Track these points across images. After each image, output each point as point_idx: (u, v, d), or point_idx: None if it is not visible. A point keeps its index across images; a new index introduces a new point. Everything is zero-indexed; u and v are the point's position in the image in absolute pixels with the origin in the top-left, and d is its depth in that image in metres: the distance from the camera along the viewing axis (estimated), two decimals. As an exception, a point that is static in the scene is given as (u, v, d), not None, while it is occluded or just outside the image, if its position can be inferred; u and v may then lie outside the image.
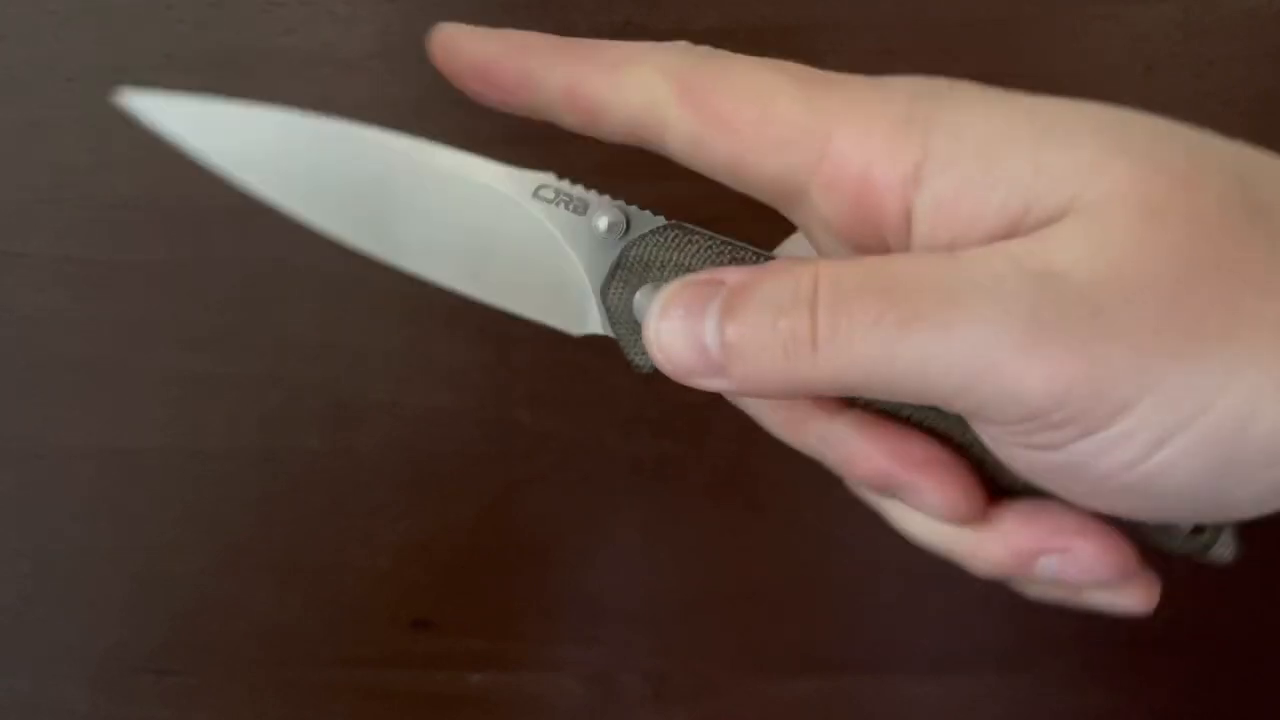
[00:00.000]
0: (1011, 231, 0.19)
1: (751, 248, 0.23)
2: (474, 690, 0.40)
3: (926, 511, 0.23)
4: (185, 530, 0.41)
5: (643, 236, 0.24)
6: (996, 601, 0.39)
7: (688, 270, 0.23)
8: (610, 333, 0.24)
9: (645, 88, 0.22)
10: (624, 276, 0.24)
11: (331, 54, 0.38)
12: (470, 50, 0.24)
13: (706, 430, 0.38)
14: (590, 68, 0.23)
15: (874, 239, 0.21)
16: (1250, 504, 0.20)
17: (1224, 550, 0.24)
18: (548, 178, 0.25)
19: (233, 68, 0.38)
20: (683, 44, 0.23)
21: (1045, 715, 0.39)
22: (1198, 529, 0.23)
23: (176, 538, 0.41)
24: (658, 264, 0.23)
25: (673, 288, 0.22)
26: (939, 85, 0.21)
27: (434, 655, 0.40)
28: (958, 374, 0.19)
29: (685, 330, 0.21)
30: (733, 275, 0.21)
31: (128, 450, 0.41)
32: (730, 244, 0.23)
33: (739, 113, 0.21)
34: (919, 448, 0.23)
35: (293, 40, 0.38)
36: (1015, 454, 0.21)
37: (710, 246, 0.23)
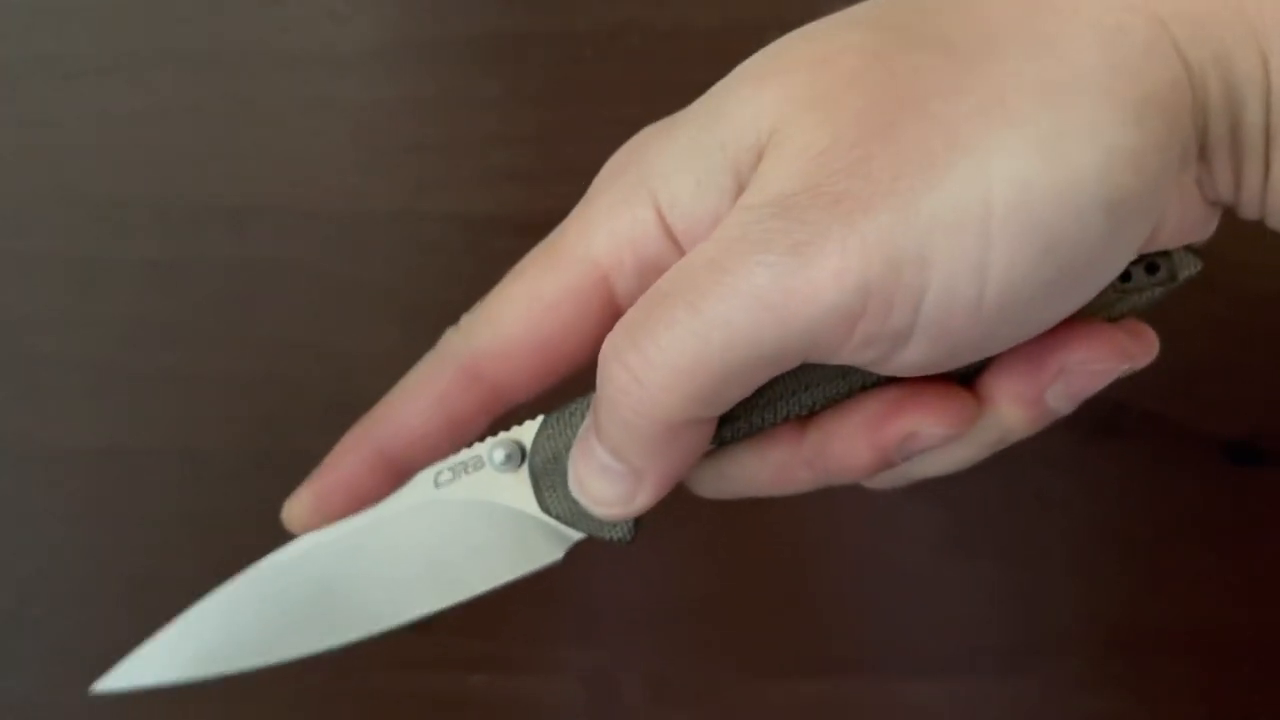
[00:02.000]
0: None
1: None
2: (474, 692, 0.40)
3: (937, 443, 0.23)
4: (184, 530, 0.41)
5: (534, 444, 0.25)
6: (999, 603, 0.39)
7: None
8: (579, 532, 0.25)
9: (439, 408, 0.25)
10: (548, 483, 0.25)
11: (330, 52, 0.38)
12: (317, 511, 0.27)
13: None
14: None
15: None
16: (1108, 255, 0.20)
17: (1189, 268, 0.23)
18: (436, 465, 0.26)
19: (231, 66, 0.38)
20: (447, 333, 0.26)
21: (1046, 717, 0.39)
22: (1149, 267, 0.23)
23: (175, 538, 0.41)
24: (564, 451, 0.25)
25: (571, 461, 0.24)
26: (636, 140, 0.24)
27: (433, 657, 0.40)
28: (767, 319, 0.20)
29: (593, 474, 0.23)
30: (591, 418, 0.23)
31: (127, 450, 0.40)
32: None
33: (525, 332, 0.24)
34: (875, 402, 0.23)
35: (291, 39, 0.38)
36: (896, 364, 0.21)
37: (586, 407, 0.25)
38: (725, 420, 0.23)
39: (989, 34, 0.20)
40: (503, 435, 0.25)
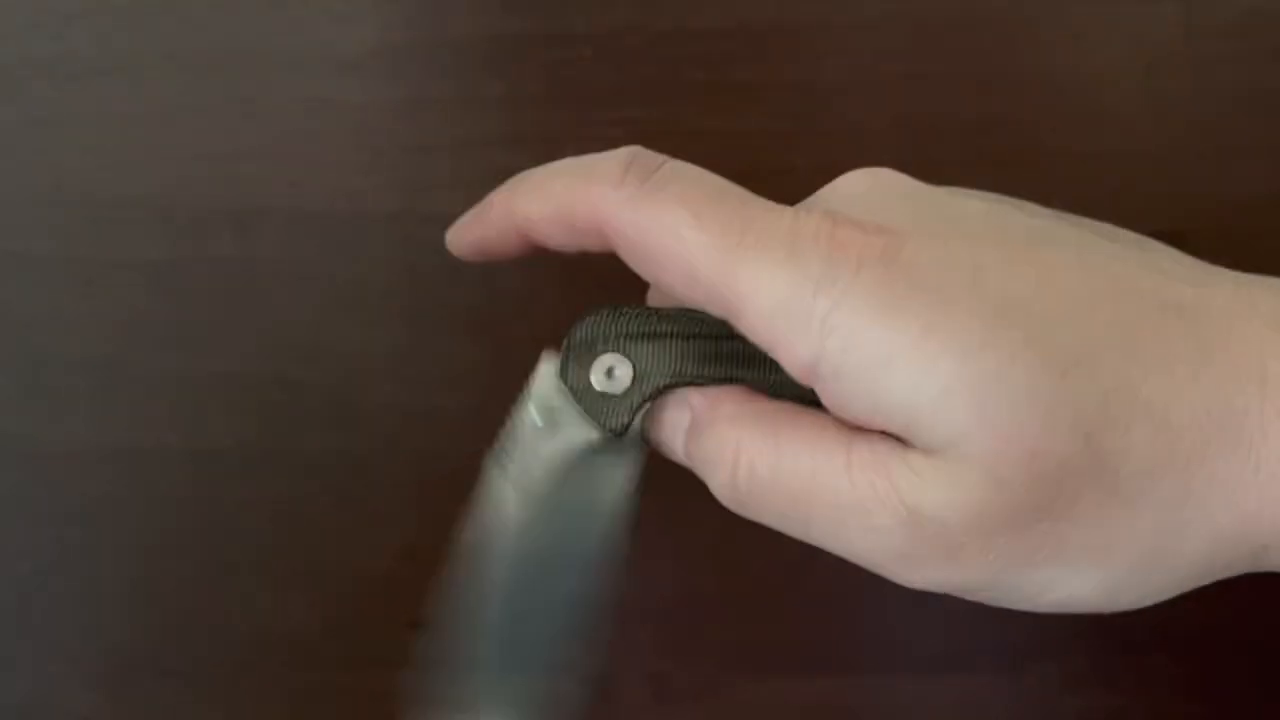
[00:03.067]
0: (896, 435, 0.23)
1: (669, 311, 0.28)
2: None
3: None
4: (184, 531, 0.41)
5: (580, 326, 0.28)
6: (997, 602, 0.39)
7: (627, 338, 0.27)
8: (574, 405, 0.28)
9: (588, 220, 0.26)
10: (576, 358, 0.28)
11: (331, 53, 0.38)
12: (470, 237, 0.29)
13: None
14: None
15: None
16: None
17: None
18: (496, 456, 0.28)
19: (232, 67, 0.38)
20: (628, 155, 0.26)
21: (1046, 715, 0.39)
22: None
23: (177, 538, 0.41)
24: (601, 340, 0.27)
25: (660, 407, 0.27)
26: (844, 265, 0.22)
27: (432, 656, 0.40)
28: (850, 558, 0.25)
29: (668, 441, 0.27)
30: (695, 400, 0.26)
31: (127, 450, 0.41)
32: (652, 311, 0.28)
33: (661, 248, 0.24)
34: None
35: (293, 40, 0.38)
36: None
37: (638, 315, 0.28)
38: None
39: (1149, 470, 0.22)
40: (531, 392, 0.28)
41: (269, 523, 0.41)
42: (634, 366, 0.27)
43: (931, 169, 0.27)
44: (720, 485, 0.25)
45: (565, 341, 0.28)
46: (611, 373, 0.27)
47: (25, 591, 0.41)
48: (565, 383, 0.27)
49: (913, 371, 0.22)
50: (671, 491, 0.39)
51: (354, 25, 0.38)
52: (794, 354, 0.23)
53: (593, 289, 0.39)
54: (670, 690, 0.40)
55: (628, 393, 0.27)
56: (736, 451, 0.25)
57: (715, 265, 0.23)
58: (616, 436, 0.27)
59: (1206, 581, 0.24)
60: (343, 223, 0.39)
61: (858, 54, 0.38)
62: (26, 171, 0.40)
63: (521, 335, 0.39)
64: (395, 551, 0.40)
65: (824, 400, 0.24)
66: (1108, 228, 0.26)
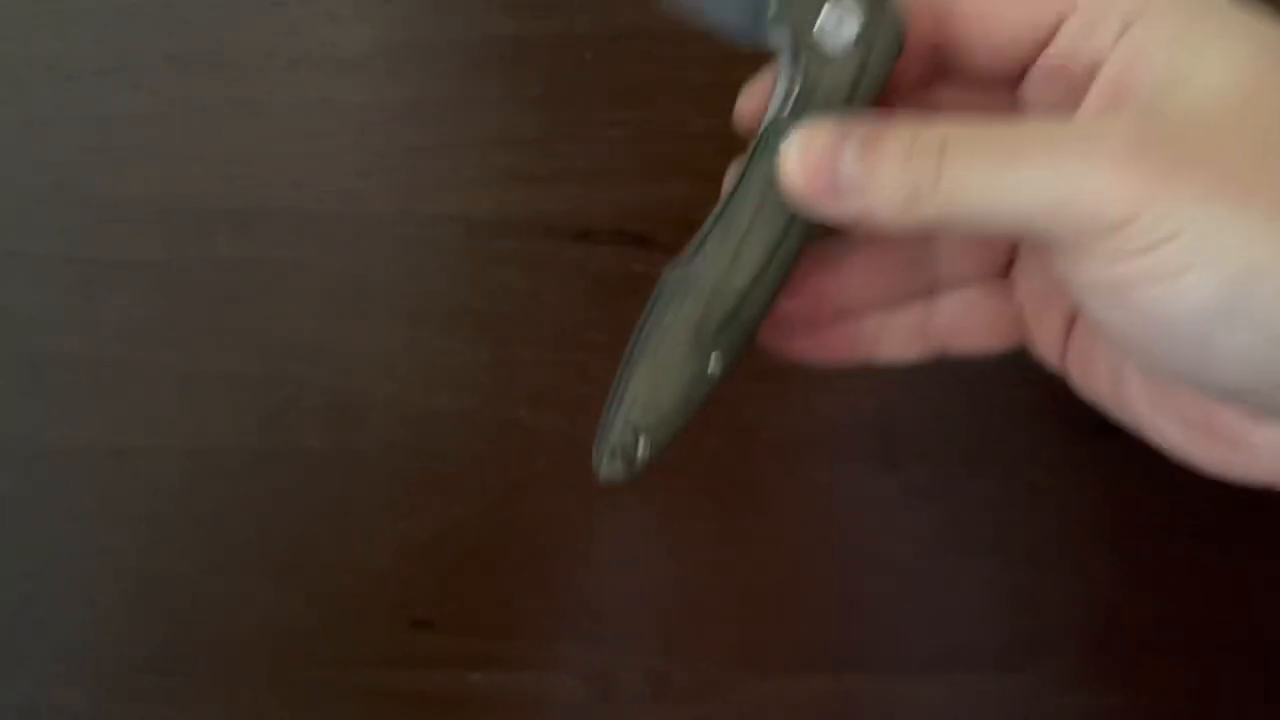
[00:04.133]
0: None
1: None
2: (474, 690, 0.40)
3: None
4: (185, 530, 0.41)
5: None
6: (996, 601, 0.39)
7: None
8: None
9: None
10: None
11: (331, 54, 0.38)
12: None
13: (706, 430, 0.38)
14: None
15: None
16: (1224, 363, 0.23)
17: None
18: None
19: (232, 68, 0.39)
20: None
21: (1044, 715, 0.39)
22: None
23: (176, 538, 0.41)
24: None
25: (810, 127, 0.26)
26: None
27: (434, 655, 0.40)
28: (1053, 194, 0.23)
29: (826, 151, 0.25)
30: (867, 123, 0.25)
31: (128, 450, 0.41)
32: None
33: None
34: None
35: (293, 40, 0.38)
36: (1079, 276, 0.24)
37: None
38: None
39: None
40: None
41: (269, 522, 0.41)
42: (862, 27, 0.26)
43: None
44: (914, 163, 0.24)
45: None
46: (841, 22, 0.26)
47: (27, 591, 0.41)
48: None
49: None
50: (669, 493, 0.40)
51: (354, 26, 0.38)
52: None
53: (594, 290, 0.39)
54: (670, 690, 0.40)
55: (834, 45, 0.26)
56: (944, 126, 0.24)
57: None
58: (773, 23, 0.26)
59: None
60: (343, 223, 0.39)
61: (857, 54, 0.38)
62: (26, 171, 0.40)
63: (521, 335, 0.39)
64: (394, 550, 0.40)
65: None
66: None
